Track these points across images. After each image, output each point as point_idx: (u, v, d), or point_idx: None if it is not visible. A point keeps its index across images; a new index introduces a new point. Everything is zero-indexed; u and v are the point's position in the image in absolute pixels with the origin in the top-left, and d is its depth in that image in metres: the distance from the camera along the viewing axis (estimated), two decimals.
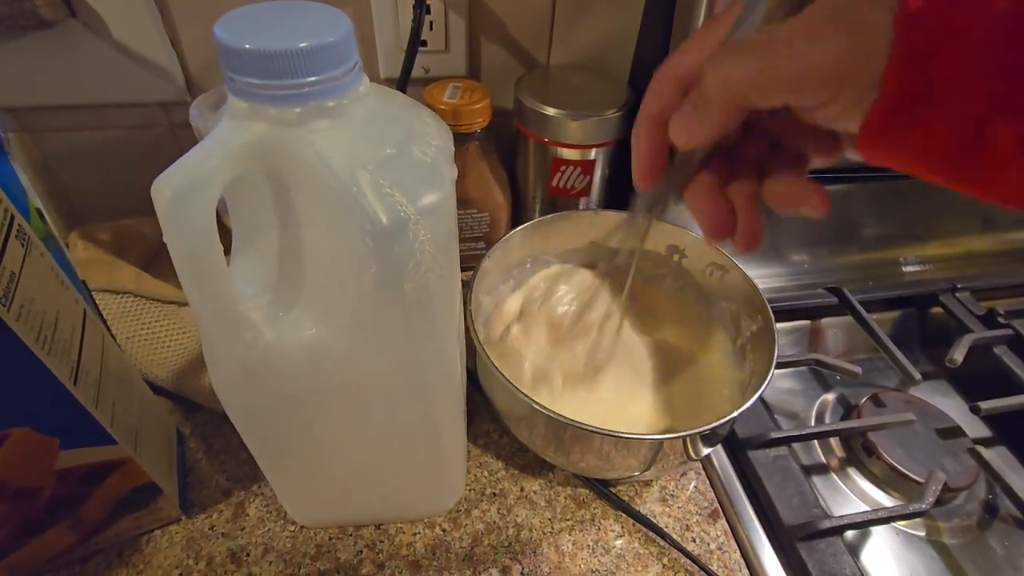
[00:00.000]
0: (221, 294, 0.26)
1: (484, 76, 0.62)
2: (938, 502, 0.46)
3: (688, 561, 0.42)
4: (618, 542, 0.43)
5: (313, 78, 0.23)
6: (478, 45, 0.60)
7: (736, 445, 0.49)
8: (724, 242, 0.31)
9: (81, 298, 0.35)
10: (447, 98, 0.54)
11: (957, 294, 0.64)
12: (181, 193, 0.23)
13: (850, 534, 0.47)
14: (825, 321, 0.63)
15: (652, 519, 0.44)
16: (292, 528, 0.43)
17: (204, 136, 0.25)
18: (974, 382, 0.59)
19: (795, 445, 0.52)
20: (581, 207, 0.62)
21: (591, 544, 0.43)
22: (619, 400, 0.47)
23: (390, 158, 0.26)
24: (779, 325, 0.44)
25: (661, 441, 0.39)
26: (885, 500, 0.49)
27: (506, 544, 0.42)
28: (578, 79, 0.60)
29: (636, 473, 0.43)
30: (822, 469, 0.52)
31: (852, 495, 0.50)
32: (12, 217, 0.29)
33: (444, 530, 0.43)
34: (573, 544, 0.43)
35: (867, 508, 0.48)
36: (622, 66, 0.62)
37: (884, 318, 0.64)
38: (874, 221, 0.68)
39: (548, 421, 0.38)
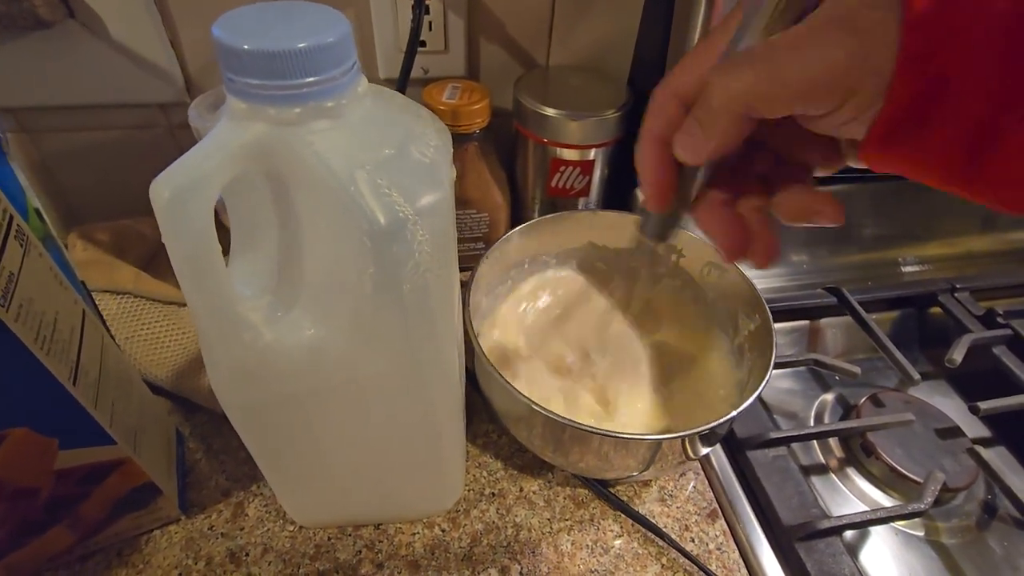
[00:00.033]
0: (220, 294, 0.26)
1: (483, 76, 0.62)
2: (937, 502, 0.46)
3: (687, 561, 0.42)
4: (617, 542, 0.43)
5: (312, 78, 0.23)
6: (477, 46, 0.60)
7: (735, 445, 0.49)
8: (742, 260, 0.30)
9: (80, 298, 0.35)
10: (446, 98, 0.54)
11: (956, 294, 0.64)
12: (179, 193, 0.23)
13: (849, 534, 0.47)
14: (824, 321, 0.63)
15: (651, 519, 0.44)
16: (291, 528, 0.43)
17: (203, 136, 0.25)
18: (973, 382, 0.59)
19: (794, 445, 0.52)
20: (580, 207, 0.62)
21: (590, 544, 0.43)
22: (618, 401, 0.47)
23: (388, 159, 0.26)
24: (778, 325, 0.44)
25: (660, 441, 0.39)
26: (884, 500, 0.49)
27: (505, 544, 0.42)
28: (577, 80, 0.60)
29: (635, 473, 0.43)
30: (821, 469, 0.52)
31: (851, 495, 0.50)
32: (11, 217, 0.29)
33: (443, 530, 0.43)
34: (572, 544, 0.43)
35: (866, 508, 0.48)
36: (621, 67, 0.62)
37: (883, 318, 0.64)
38: (873, 221, 0.68)
39: (546, 421, 0.38)
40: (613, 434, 0.37)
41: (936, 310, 0.64)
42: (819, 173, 0.30)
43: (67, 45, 0.50)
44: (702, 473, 0.48)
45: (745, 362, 0.47)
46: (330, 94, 0.24)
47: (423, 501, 0.43)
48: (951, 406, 0.55)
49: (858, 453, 0.52)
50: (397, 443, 0.36)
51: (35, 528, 0.36)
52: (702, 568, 0.41)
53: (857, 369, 0.53)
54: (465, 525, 0.43)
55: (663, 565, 0.42)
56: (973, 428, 0.54)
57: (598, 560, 0.42)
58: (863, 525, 0.45)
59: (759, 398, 0.39)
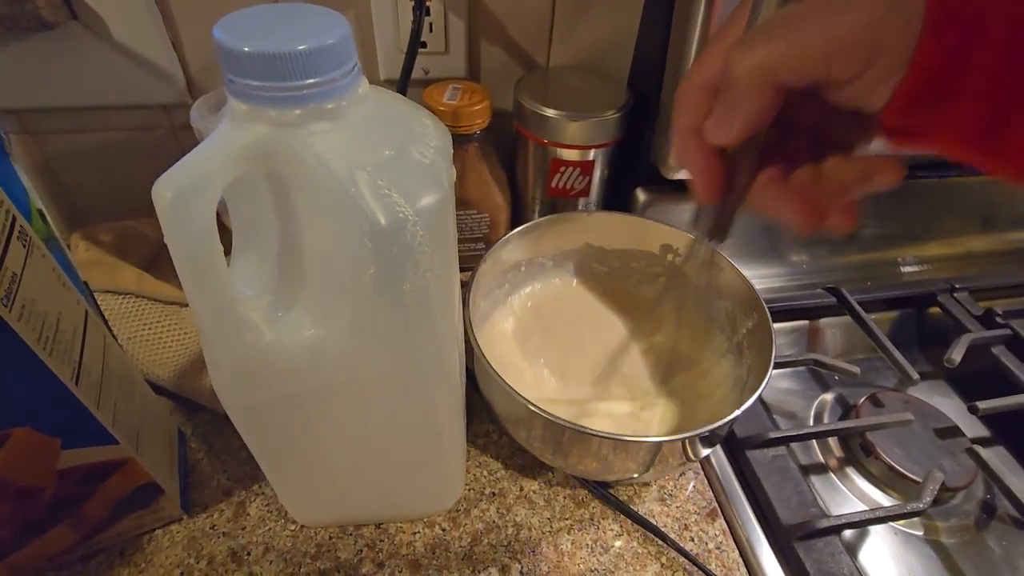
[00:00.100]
0: (221, 295, 0.27)
1: (484, 77, 0.62)
2: (936, 502, 0.46)
3: (687, 560, 0.42)
4: (617, 541, 0.43)
5: (312, 80, 0.23)
6: (478, 47, 0.60)
7: (734, 445, 0.49)
8: (820, 229, 0.29)
9: (83, 299, 0.35)
10: (447, 99, 0.54)
11: (955, 294, 0.64)
12: (181, 194, 0.23)
13: (848, 533, 0.47)
14: (824, 321, 0.63)
15: (651, 519, 0.44)
16: (293, 527, 0.43)
17: (205, 138, 0.25)
18: (972, 382, 0.59)
19: (793, 445, 0.52)
20: (580, 207, 0.62)
21: (590, 543, 0.43)
22: (618, 403, 0.48)
23: (389, 160, 0.26)
24: (777, 325, 0.44)
25: (660, 443, 0.39)
26: (883, 500, 0.49)
27: (505, 543, 0.43)
28: (577, 80, 0.60)
29: (635, 475, 0.43)
30: (820, 469, 0.52)
31: (850, 495, 0.50)
32: (14, 218, 0.29)
33: (444, 529, 0.43)
34: (572, 543, 0.43)
35: (865, 508, 0.48)
36: (621, 67, 0.62)
37: (882, 318, 0.64)
38: (873, 221, 0.68)
39: (546, 424, 0.38)
40: (612, 436, 0.37)
41: (935, 310, 0.64)
42: (854, 151, 0.30)
43: (70, 47, 0.50)
44: (701, 473, 0.48)
45: (744, 360, 0.47)
46: (330, 96, 0.24)
47: (424, 500, 0.43)
48: (950, 406, 0.55)
49: (857, 453, 0.52)
50: (398, 443, 0.37)
51: (37, 528, 0.37)
52: (701, 568, 0.42)
53: (856, 369, 0.54)
54: (465, 524, 0.44)
55: (663, 564, 0.42)
56: (972, 428, 0.54)
57: (598, 559, 0.42)
58: (862, 524, 0.45)
59: (759, 398, 0.39)
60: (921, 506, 0.45)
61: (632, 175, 0.61)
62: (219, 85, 0.51)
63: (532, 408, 0.38)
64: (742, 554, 0.44)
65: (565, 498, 0.45)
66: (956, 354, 0.55)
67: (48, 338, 0.29)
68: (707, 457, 0.49)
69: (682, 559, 0.42)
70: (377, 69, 0.59)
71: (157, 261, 0.55)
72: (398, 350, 0.30)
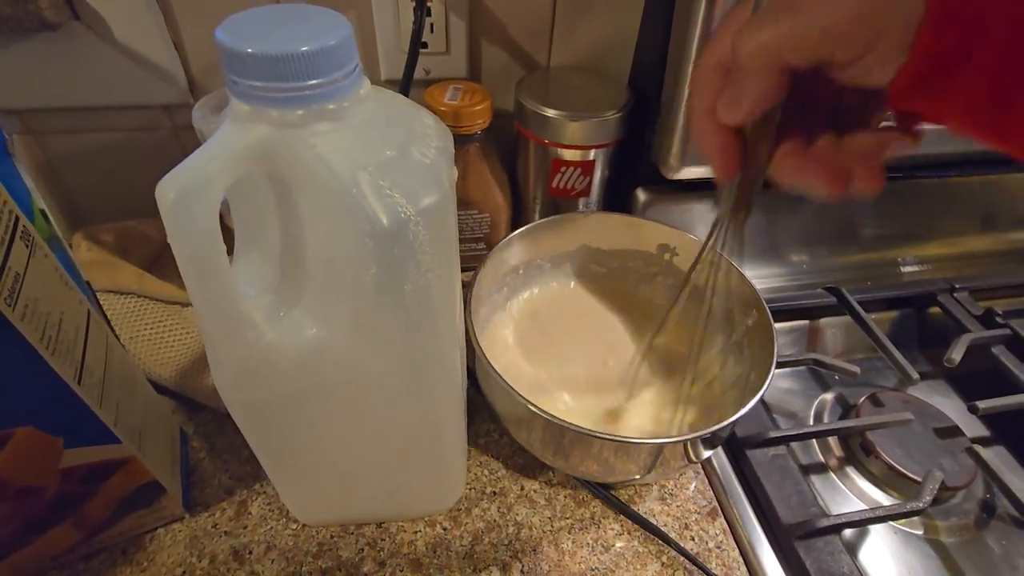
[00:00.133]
0: (223, 294, 0.27)
1: (484, 78, 0.62)
2: (936, 501, 0.46)
3: (687, 560, 0.42)
4: (617, 541, 0.43)
5: (314, 81, 0.23)
6: (479, 47, 0.60)
7: (735, 444, 0.49)
8: (846, 193, 0.29)
9: (85, 298, 0.35)
10: (448, 100, 0.54)
11: (955, 294, 0.64)
12: (184, 195, 0.23)
13: (848, 533, 0.47)
14: (824, 321, 0.63)
15: (651, 518, 0.44)
16: (294, 526, 0.43)
17: (207, 138, 0.25)
18: (972, 382, 0.60)
19: (794, 444, 0.52)
20: (581, 208, 0.62)
21: (591, 542, 0.43)
22: (619, 404, 0.48)
23: (390, 160, 0.26)
24: (778, 325, 0.44)
25: (661, 445, 0.39)
26: (883, 499, 0.50)
27: (506, 542, 0.43)
28: (578, 81, 0.60)
29: (636, 476, 0.43)
30: (820, 468, 0.52)
31: (850, 494, 0.50)
32: (17, 218, 0.29)
33: (445, 528, 0.43)
34: (573, 542, 0.43)
35: (865, 507, 0.49)
36: (622, 67, 0.62)
37: (883, 318, 0.64)
38: (873, 221, 0.68)
39: (546, 425, 0.38)
40: (613, 437, 0.37)
41: (935, 310, 0.64)
42: (873, 122, 0.30)
43: (72, 47, 0.51)
44: (702, 472, 0.48)
45: (745, 358, 0.47)
46: (332, 96, 0.24)
47: (425, 500, 0.43)
48: (950, 406, 0.55)
49: (857, 452, 0.52)
50: (399, 442, 0.37)
51: (40, 527, 0.37)
52: (702, 567, 0.42)
53: (856, 369, 0.54)
54: (466, 524, 0.44)
55: (663, 563, 0.42)
56: (972, 427, 0.54)
57: (598, 558, 0.42)
58: (862, 523, 0.45)
59: (760, 399, 0.39)
60: (921, 505, 0.45)
61: (633, 175, 0.61)
62: (220, 85, 0.52)
63: (533, 409, 0.38)
64: (742, 553, 0.44)
65: (566, 497, 0.46)
66: (956, 354, 0.55)
67: (51, 337, 0.30)
68: (708, 457, 0.49)
69: (682, 558, 0.42)
70: (378, 69, 0.59)
71: (159, 261, 0.55)
72: (399, 350, 0.30)
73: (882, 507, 0.46)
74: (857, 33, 0.23)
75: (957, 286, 0.65)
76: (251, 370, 0.30)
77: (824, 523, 0.43)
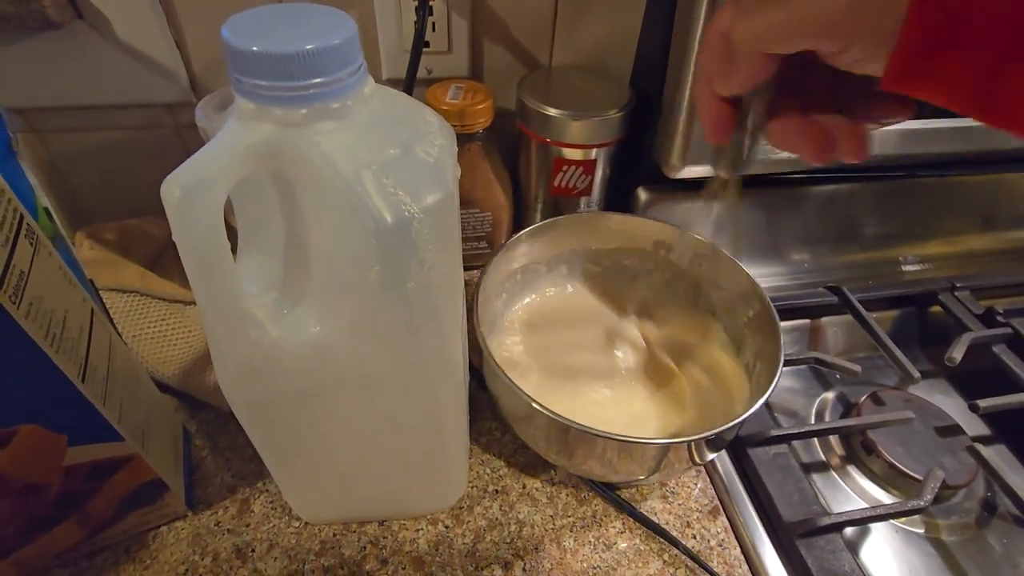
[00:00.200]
0: (227, 292, 0.27)
1: (486, 77, 0.62)
2: (937, 500, 0.46)
3: (689, 558, 0.42)
4: (619, 539, 0.43)
5: (319, 80, 0.24)
6: (480, 46, 0.60)
7: (736, 443, 0.49)
8: (830, 158, 0.31)
9: (88, 296, 0.35)
10: (450, 99, 0.54)
11: (956, 293, 0.64)
12: (189, 193, 0.23)
13: (849, 531, 0.47)
14: (825, 320, 0.63)
15: (653, 516, 0.44)
16: (297, 524, 0.43)
17: (210, 136, 0.25)
18: (973, 380, 0.60)
19: (795, 443, 0.52)
20: (583, 207, 0.62)
21: (592, 541, 0.43)
22: (622, 404, 0.48)
23: (394, 158, 0.26)
24: (779, 323, 0.44)
25: (666, 446, 0.39)
26: (884, 498, 0.50)
27: (508, 541, 0.43)
28: (580, 80, 0.60)
29: (641, 477, 0.43)
30: (822, 467, 0.52)
31: (852, 493, 0.50)
32: (21, 217, 0.30)
33: (447, 527, 0.43)
34: (575, 541, 0.43)
35: (866, 505, 0.49)
36: (624, 66, 0.62)
37: (884, 317, 0.64)
38: (874, 220, 0.69)
39: (550, 423, 0.38)
40: (617, 437, 0.37)
41: (936, 309, 0.64)
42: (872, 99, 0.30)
43: (75, 46, 0.51)
44: (704, 471, 0.48)
45: (748, 349, 0.48)
46: (336, 95, 0.25)
47: (427, 498, 0.43)
48: (951, 404, 0.55)
49: (859, 451, 0.52)
50: (402, 440, 0.37)
51: (44, 524, 0.37)
52: (704, 565, 0.42)
53: (858, 367, 0.54)
54: (468, 522, 0.44)
55: (665, 561, 0.42)
56: (973, 426, 0.54)
57: (600, 557, 0.42)
58: (863, 522, 0.45)
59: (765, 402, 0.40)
60: (922, 504, 0.45)
61: (634, 174, 0.61)
62: (222, 84, 0.52)
63: (536, 407, 0.38)
64: (744, 551, 0.44)
65: (568, 496, 0.46)
66: (957, 353, 0.55)
67: (55, 335, 0.30)
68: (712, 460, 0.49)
69: (684, 556, 0.42)
70: (380, 69, 0.59)
71: (161, 259, 0.56)
72: (402, 347, 0.31)
73: (883, 506, 0.46)
74: (841, 26, 0.24)
75: (958, 285, 0.65)
76: (254, 368, 0.30)
77: (825, 521, 0.43)
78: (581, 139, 0.56)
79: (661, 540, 0.43)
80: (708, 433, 0.38)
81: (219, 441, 0.47)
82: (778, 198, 0.65)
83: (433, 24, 0.56)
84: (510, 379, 0.39)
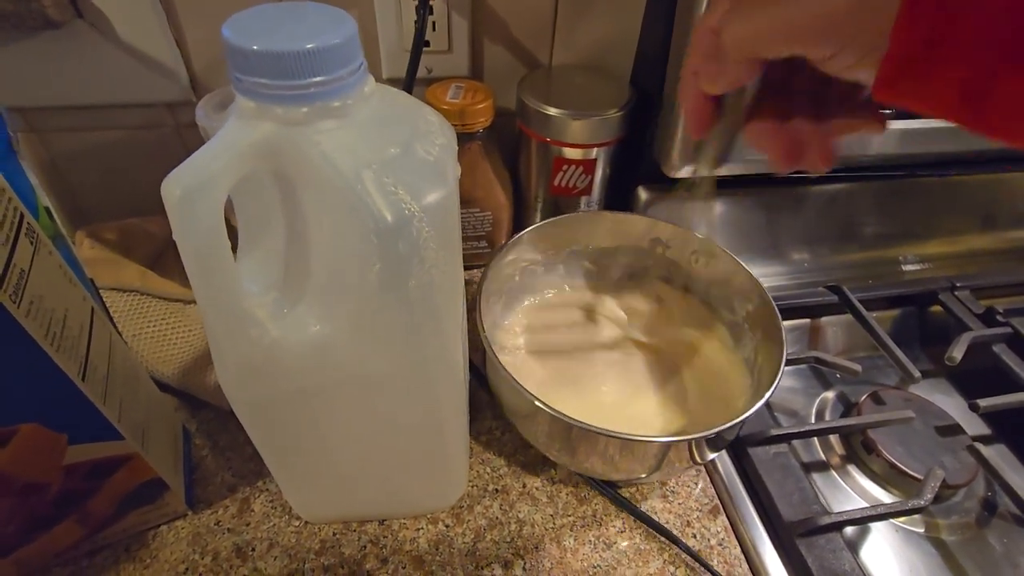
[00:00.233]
0: (228, 291, 0.27)
1: (487, 76, 0.62)
2: (937, 499, 0.46)
3: (689, 557, 0.42)
4: (619, 538, 0.43)
5: (319, 78, 0.24)
6: (481, 45, 0.60)
7: (736, 442, 0.49)
8: (796, 166, 0.31)
9: (88, 295, 0.35)
10: (450, 98, 0.54)
11: (956, 292, 0.64)
12: (190, 191, 0.23)
13: (850, 530, 0.47)
14: (825, 319, 0.63)
15: (653, 515, 0.44)
16: (297, 523, 0.43)
17: (211, 135, 0.25)
18: (973, 380, 0.60)
19: (795, 442, 0.52)
20: (583, 206, 0.62)
21: (593, 540, 0.43)
22: (624, 400, 0.48)
23: (395, 157, 0.26)
24: (780, 322, 0.44)
25: (666, 444, 0.39)
26: (884, 497, 0.50)
27: (508, 540, 0.43)
28: (580, 79, 0.60)
29: (642, 476, 0.43)
30: (822, 466, 0.52)
31: (852, 492, 0.50)
32: (21, 216, 0.30)
33: (447, 526, 0.43)
34: (575, 540, 0.43)
35: (866, 505, 0.49)
36: (624, 66, 0.62)
37: (884, 316, 0.64)
38: (874, 220, 0.69)
39: (553, 420, 0.39)
40: (618, 435, 0.37)
41: (936, 308, 0.64)
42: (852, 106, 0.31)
43: (75, 45, 0.51)
44: (704, 470, 0.48)
45: (747, 344, 0.48)
46: (337, 94, 0.24)
47: (427, 497, 0.43)
48: (951, 404, 0.55)
49: (859, 450, 0.52)
50: (402, 439, 0.37)
51: (44, 523, 0.37)
52: (704, 564, 0.42)
53: (858, 367, 0.54)
54: (469, 521, 0.44)
55: (665, 560, 0.42)
56: (973, 425, 0.54)
57: (600, 556, 0.42)
58: (863, 521, 0.45)
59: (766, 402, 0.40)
60: (922, 503, 0.45)
61: (634, 173, 0.61)
62: (222, 83, 0.52)
63: (540, 405, 0.38)
64: (744, 551, 0.44)
65: (568, 495, 0.46)
66: (957, 352, 0.55)
67: (55, 334, 0.30)
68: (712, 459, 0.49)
69: (685, 555, 0.42)
70: (380, 68, 0.59)
71: (161, 259, 0.55)
72: (403, 346, 0.31)
73: (883, 505, 0.46)
74: (833, 31, 0.24)
75: (958, 284, 0.65)
76: (255, 367, 0.30)
77: (825, 521, 0.43)
78: (581, 138, 0.56)
79: (661, 539, 0.43)
80: (709, 432, 0.38)
81: (219, 440, 0.47)
82: (778, 198, 0.65)
83: (433, 23, 0.56)
84: (513, 378, 0.39)
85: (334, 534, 0.43)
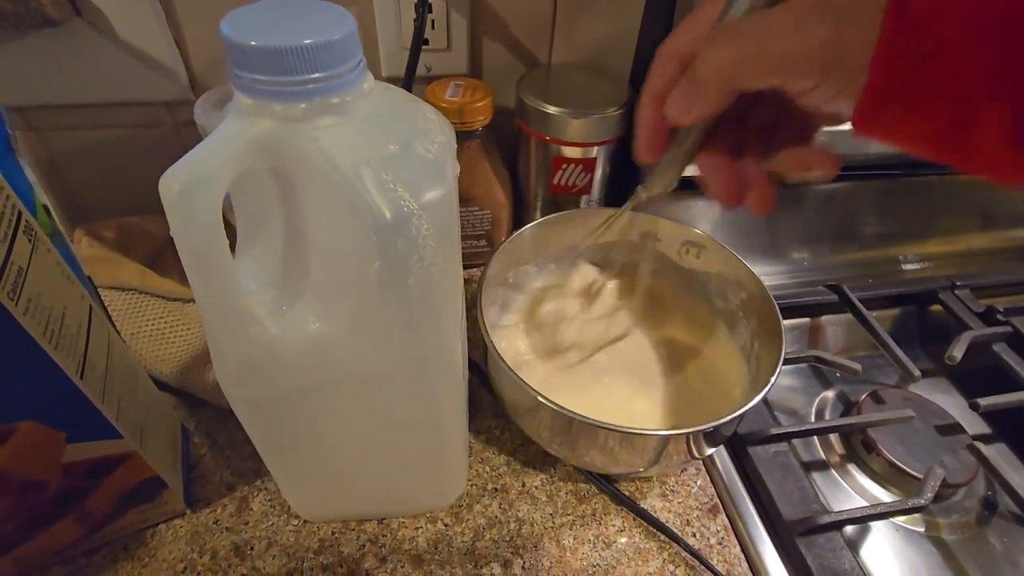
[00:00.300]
0: (226, 288, 0.27)
1: (486, 75, 0.62)
2: (937, 498, 0.46)
3: (689, 556, 0.42)
4: (619, 537, 0.43)
5: (318, 75, 0.23)
6: (480, 44, 0.60)
7: (736, 441, 0.49)
8: (738, 208, 0.32)
9: (87, 293, 0.35)
10: (449, 96, 0.54)
11: (956, 291, 0.64)
12: (188, 188, 0.23)
13: (850, 530, 0.47)
14: (825, 318, 0.63)
15: (653, 514, 0.44)
16: (295, 522, 0.43)
17: (209, 133, 0.25)
18: (973, 379, 0.60)
19: (795, 441, 0.52)
20: (582, 205, 0.62)
21: (592, 539, 0.43)
22: (624, 395, 0.48)
23: (393, 154, 0.26)
24: (780, 317, 0.44)
25: (666, 437, 0.39)
26: (884, 496, 0.50)
27: (507, 539, 0.43)
28: (579, 78, 0.60)
29: (640, 469, 0.43)
30: (822, 465, 0.52)
31: (852, 491, 0.50)
32: (19, 213, 0.29)
33: (446, 525, 0.43)
34: (574, 539, 0.43)
35: (866, 504, 0.48)
36: (623, 65, 0.62)
37: (884, 315, 0.64)
38: (874, 219, 0.69)
39: (554, 415, 0.39)
40: (617, 428, 0.37)
41: (937, 307, 0.64)
42: (824, 128, 0.31)
43: (73, 44, 0.51)
44: (703, 469, 0.48)
45: (742, 330, 0.48)
46: (335, 90, 0.24)
47: (426, 496, 0.43)
48: (951, 403, 0.55)
49: (859, 449, 0.52)
50: (401, 438, 0.37)
51: (43, 521, 0.37)
52: (704, 563, 0.42)
53: (858, 366, 0.54)
54: (468, 520, 0.44)
55: (665, 559, 0.42)
56: (973, 425, 0.54)
57: (600, 555, 0.42)
58: (863, 520, 0.45)
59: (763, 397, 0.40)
60: (922, 502, 0.45)
61: (634, 172, 0.61)
62: (222, 82, 0.52)
63: (542, 400, 0.38)
64: (744, 550, 0.44)
65: (567, 494, 0.46)
66: (957, 351, 0.55)
67: (53, 332, 0.30)
68: (710, 455, 0.49)
69: (685, 554, 0.42)
70: (379, 66, 0.59)
71: (160, 257, 0.55)
72: (401, 344, 0.30)
73: (883, 504, 0.46)
74: (816, 62, 0.23)
75: (958, 283, 0.65)
76: (253, 365, 0.30)
77: (825, 520, 0.43)
78: (581, 137, 0.56)
79: (661, 538, 0.43)
80: (707, 426, 0.38)
81: (218, 439, 0.47)
82: (778, 197, 0.65)
83: (432, 22, 0.56)
84: (515, 373, 0.39)
85: (333, 533, 0.43)
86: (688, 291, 0.54)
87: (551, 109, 0.54)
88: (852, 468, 0.51)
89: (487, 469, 0.47)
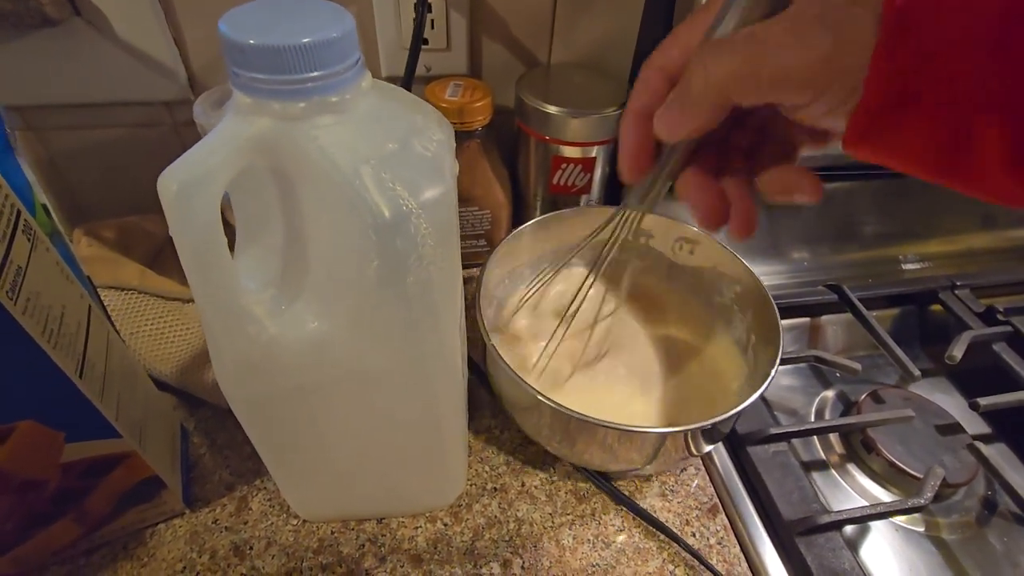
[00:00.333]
0: (225, 287, 0.27)
1: (485, 74, 0.62)
2: (937, 498, 0.46)
3: (688, 556, 0.42)
4: (619, 536, 0.43)
5: (316, 73, 0.23)
6: (479, 44, 0.60)
7: (736, 441, 0.49)
8: (719, 231, 0.32)
9: (86, 293, 0.35)
10: (448, 96, 0.54)
11: (956, 291, 0.64)
12: (187, 187, 0.23)
13: (849, 530, 0.47)
14: (825, 318, 0.63)
15: (652, 513, 0.44)
16: (295, 522, 0.43)
17: (208, 133, 0.25)
18: (973, 379, 0.60)
19: (795, 441, 0.52)
20: (582, 204, 0.62)
21: (591, 538, 0.43)
22: (624, 394, 0.48)
23: (392, 153, 0.26)
24: (777, 313, 0.44)
25: (664, 435, 0.39)
26: (884, 496, 0.50)
27: (507, 538, 0.43)
28: (579, 77, 0.60)
29: (638, 467, 0.43)
30: (821, 465, 0.52)
31: (851, 491, 0.50)
32: (19, 212, 0.29)
33: (445, 524, 0.43)
34: (574, 538, 0.43)
35: (866, 503, 0.48)
36: (623, 64, 0.62)
37: (884, 315, 0.64)
38: (874, 219, 0.69)
39: (554, 413, 0.39)
40: (616, 425, 0.37)
41: (936, 307, 0.64)
42: (806, 151, 0.31)
43: (73, 43, 0.51)
44: (703, 468, 0.48)
45: (737, 324, 0.48)
46: (334, 89, 0.24)
47: (425, 495, 0.43)
48: (951, 402, 0.55)
49: (858, 449, 0.52)
50: (400, 437, 0.37)
51: (41, 521, 0.37)
52: (704, 563, 0.42)
53: (858, 366, 0.54)
54: (467, 519, 0.44)
55: (664, 559, 0.42)
56: (973, 424, 0.54)
57: (599, 554, 0.42)
58: (863, 520, 0.45)
59: (760, 395, 0.39)
60: (922, 502, 0.45)
61: None
62: (221, 81, 0.52)
63: (541, 398, 0.38)
64: (743, 549, 0.44)
65: (567, 493, 0.46)
66: (957, 351, 0.55)
67: (52, 331, 0.30)
68: (709, 453, 0.49)
69: (684, 554, 0.42)
70: (379, 66, 0.59)
71: (160, 257, 0.55)
72: (401, 343, 0.30)
73: (883, 504, 0.46)
74: (813, 78, 0.23)
75: (958, 283, 0.65)
76: (252, 364, 0.30)
77: (825, 519, 0.43)
78: (580, 137, 0.56)
79: (661, 538, 0.43)
80: (704, 423, 0.38)
81: (217, 439, 0.47)
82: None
83: (432, 21, 0.56)
84: (514, 371, 0.40)
85: (332, 533, 0.43)
86: (683, 287, 0.54)
87: (551, 109, 0.54)
88: (852, 468, 0.51)
89: (486, 468, 0.47)
